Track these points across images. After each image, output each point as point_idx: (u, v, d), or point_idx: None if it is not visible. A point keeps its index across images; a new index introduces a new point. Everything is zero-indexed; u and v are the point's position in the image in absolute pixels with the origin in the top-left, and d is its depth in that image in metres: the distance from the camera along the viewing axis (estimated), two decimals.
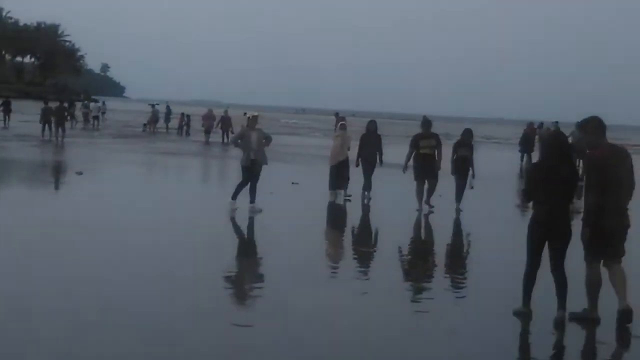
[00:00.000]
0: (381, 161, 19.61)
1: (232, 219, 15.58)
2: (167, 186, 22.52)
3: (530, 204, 8.96)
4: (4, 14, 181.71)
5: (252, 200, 16.27)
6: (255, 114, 17.24)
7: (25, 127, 44.03)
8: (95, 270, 10.20)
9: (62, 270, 10.18)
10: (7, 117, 47.22)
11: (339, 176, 19.24)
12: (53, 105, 39.34)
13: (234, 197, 16.28)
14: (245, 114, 17.44)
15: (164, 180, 24.96)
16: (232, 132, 43.18)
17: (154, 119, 51.81)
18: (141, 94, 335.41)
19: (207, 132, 44.27)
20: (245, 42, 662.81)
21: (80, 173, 22.33)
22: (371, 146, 19.45)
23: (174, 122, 52.41)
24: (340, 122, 21.39)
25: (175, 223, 14.75)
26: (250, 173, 16.39)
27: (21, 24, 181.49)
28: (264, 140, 16.76)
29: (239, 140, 16.97)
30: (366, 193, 19.29)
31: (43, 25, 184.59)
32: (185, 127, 50.59)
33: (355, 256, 12.82)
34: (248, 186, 16.35)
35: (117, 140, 40.75)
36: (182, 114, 51.81)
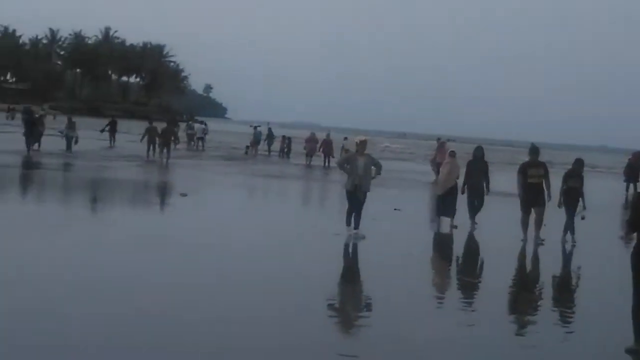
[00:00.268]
0: (488, 189, 19.44)
1: (337, 245, 15.56)
2: (269, 210, 22.62)
3: (635, 234, 8.72)
4: (111, 33, 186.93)
5: (356, 226, 16.32)
6: (364, 138, 17.18)
7: (131, 147, 45.09)
8: (197, 296, 10.38)
9: (166, 295, 10.35)
10: (112, 137, 48.15)
11: (446, 203, 19.19)
12: (158, 125, 40.10)
13: (348, 223, 16.41)
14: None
15: (266, 203, 25.18)
16: (333, 156, 43.52)
17: (255, 141, 52.43)
18: (243, 116, 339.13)
19: (309, 155, 44.70)
20: (346, 66, 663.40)
21: (184, 195, 22.63)
22: (478, 173, 19.34)
23: (275, 144, 52.86)
24: (450, 150, 21.24)
25: (278, 248, 14.86)
26: (355, 198, 16.48)
27: (128, 44, 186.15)
28: (372, 167, 16.71)
29: (346, 165, 17.02)
30: (474, 222, 19.21)
31: (149, 46, 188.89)
32: (286, 150, 51.10)
33: (461, 286, 12.71)
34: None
35: (220, 162, 41.27)
36: (283, 136, 52.44)
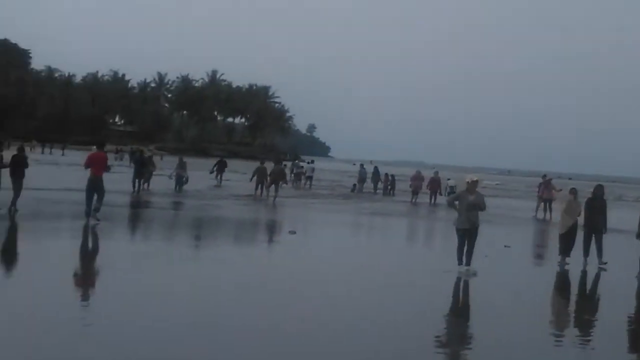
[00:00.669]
0: (605, 228, 19.20)
1: (449, 282, 15.56)
2: (378, 247, 22.66)
3: None
4: (217, 76, 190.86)
5: (468, 263, 16.30)
6: (475, 178, 17.19)
7: (239, 186, 45.77)
8: (312, 333, 10.50)
9: (285, 333, 10.49)
10: (220, 175, 49.02)
11: (569, 241, 19.03)
12: (268, 165, 40.65)
13: (460, 261, 16.49)
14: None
15: (375, 241, 25.16)
16: (441, 194, 43.41)
17: (361, 178, 52.65)
18: (345, 154, 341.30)
19: (415, 192, 44.60)
20: (447, 103, 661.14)
21: (293, 232, 22.89)
22: (597, 211, 19.14)
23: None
24: (571, 187, 21.07)
25: (389, 286, 14.87)
26: (466, 236, 16.45)
27: (234, 86, 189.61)
28: (481, 206, 16.78)
29: (456, 202, 17.03)
30: (586, 259, 18.95)
31: (254, 87, 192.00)
32: (390, 188, 51.20)
33: (579, 325, 12.54)
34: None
35: (326, 200, 41.46)
36: (386, 174, 52.59)
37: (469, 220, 16.55)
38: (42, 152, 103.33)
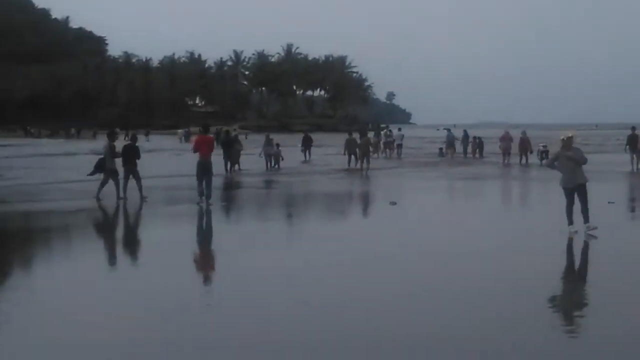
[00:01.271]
0: None
1: (571, 244, 15.46)
2: (483, 212, 22.44)
3: None
4: (293, 50, 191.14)
5: (586, 220, 16.16)
6: (570, 134, 16.91)
7: (327, 160, 46.04)
8: (433, 304, 10.53)
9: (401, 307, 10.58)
10: (307, 151, 49.11)
11: None
12: (355, 136, 40.81)
13: (570, 221, 16.30)
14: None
15: (478, 205, 24.89)
16: (532, 152, 43.08)
17: (449, 143, 52.47)
18: (427, 120, 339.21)
19: (506, 153, 44.29)
20: (530, 62, 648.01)
21: (394, 203, 22.87)
22: None
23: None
24: None
25: (507, 249, 14.88)
26: (574, 194, 16.40)
27: (310, 58, 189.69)
28: (580, 160, 16.56)
29: (556, 163, 16.93)
30: None
31: (331, 59, 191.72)
32: (478, 150, 51.01)
33: None
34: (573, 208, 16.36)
35: (417, 167, 41.39)
36: (474, 137, 52.29)
37: (575, 177, 16.35)
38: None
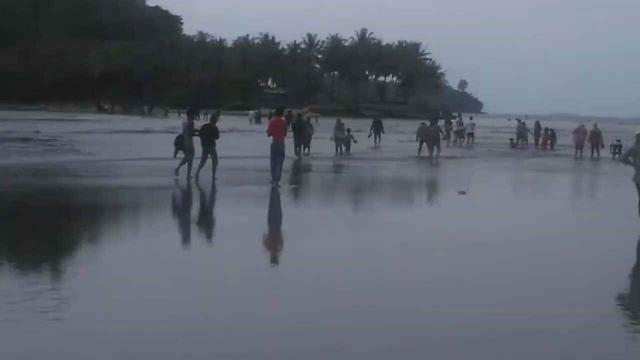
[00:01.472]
0: None
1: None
2: (556, 204, 22.35)
3: None
4: (367, 35, 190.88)
5: None
6: None
7: (397, 147, 46.01)
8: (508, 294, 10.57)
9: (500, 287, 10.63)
10: (377, 136, 48.99)
11: None
12: (428, 124, 40.73)
13: None
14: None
15: (550, 197, 24.78)
16: (603, 146, 42.67)
17: (520, 134, 52.07)
18: (498, 109, 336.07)
19: (578, 146, 43.85)
20: (603, 53, 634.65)
21: (463, 192, 22.82)
22: None
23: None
24: None
25: (579, 242, 14.95)
26: None
27: (383, 44, 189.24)
28: None
29: (630, 158, 16.71)
30: None
31: (404, 45, 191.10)
32: (549, 142, 50.58)
33: None
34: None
35: (488, 157, 41.10)
36: (546, 128, 51.88)
37: None
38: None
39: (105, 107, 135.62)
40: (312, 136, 38.75)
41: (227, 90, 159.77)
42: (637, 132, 16.57)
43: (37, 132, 51.42)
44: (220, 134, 25.64)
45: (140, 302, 9.63)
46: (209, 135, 24.50)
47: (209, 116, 29.04)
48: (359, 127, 52.68)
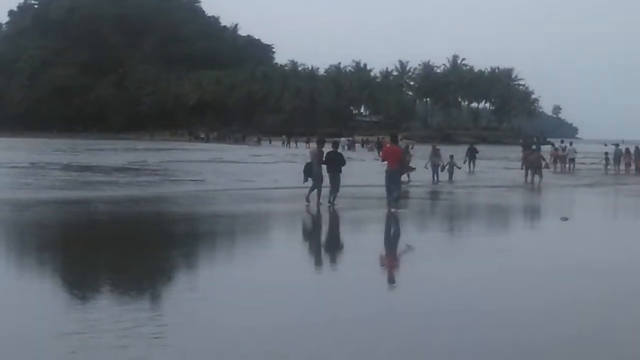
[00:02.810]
0: None
1: None
2: None
3: None
4: (459, 61, 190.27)
5: None
6: None
7: (493, 172, 45.86)
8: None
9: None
10: (472, 162, 48.79)
11: None
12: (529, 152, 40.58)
13: None
14: None
15: None
16: None
17: (617, 158, 51.46)
18: (594, 135, 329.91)
19: None
20: None
21: (565, 219, 22.69)
22: None
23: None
24: None
25: None
26: None
27: (476, 70, 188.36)
28: None
29: None
30: None
31: (497, 71, 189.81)
32: None
33: None
34: None
35: (588, 182, 40.51)
36: None
37: None
38: (285, 145, 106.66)
39: (202, 135, 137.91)
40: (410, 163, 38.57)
41: (321, 117, 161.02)
42: None
43: (145, 162, 53.22)
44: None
45: (250, 329, 9.77)
46: (335, 162, 25.12)
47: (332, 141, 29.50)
48: (453, 153, 52.51)
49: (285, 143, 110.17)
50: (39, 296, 11.76)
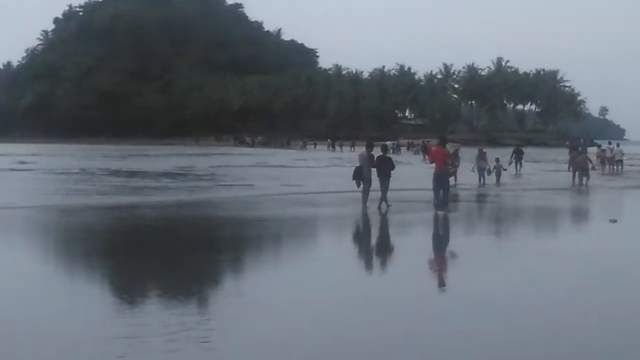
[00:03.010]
0: None
1: None
2: None
3: None
4: (503, 63, 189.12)
5: None
6: None
7: (540, 174, 45.58)
8: None
9: None
10: (518, 164, 48.62)
11: None
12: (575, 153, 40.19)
13: None
14: None
15: None
16: None
17: None
18: None
19: None
20: None
21: (614, 221, 22.44)
22: None
23: None
24: None
25: None
26: None
27: (521, 72, 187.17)
28: None
29: None
30: None
31: (542, 72, 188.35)
32: None
33: None
34: None
35: (634, 184, 40.06)
36: None
37: None
38: (330, 149, 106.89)
39: (247, 140, 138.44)
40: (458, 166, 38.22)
41: (365, 121, 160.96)
42: None
43: (193, 167, 53.73)
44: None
45: (297, 334, 9.85)
46: (385, 165, 25.33)
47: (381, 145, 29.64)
48: (500, 156, 52.30)
49: (330, 147, 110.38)
50: (88, 301, 11.94)
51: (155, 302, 11.77)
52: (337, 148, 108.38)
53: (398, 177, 29.68)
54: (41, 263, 16.08)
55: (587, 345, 9.29)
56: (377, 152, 25.86)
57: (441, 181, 24.03)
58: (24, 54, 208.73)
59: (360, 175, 25.53)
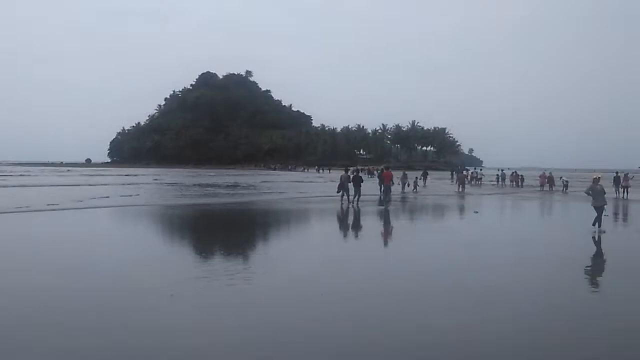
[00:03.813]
0: None
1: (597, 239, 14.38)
2: (524, 220, 21.65)
3: None
4: (416, 124, 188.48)
5: (599, 225, 15.47)
6: (599, 175, 16.65)
7: (437, 187, 45.20)
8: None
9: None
10: (424, 180, 47.93)
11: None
12: (464, 172, 39.66)
13: (594, 226, 15.55)
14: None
15: (531, 217, 23.54)
16: (554, 186, 40.74)
17: (502, 177, 50.03)
18: (495, 164, 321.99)
19: (542, 185, 42.34)
20: (578, 106, 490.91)
21: (477, 212, 22.42)
22: None
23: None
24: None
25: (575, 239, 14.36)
26: (598, 210, 15.78)
27: (425, 128, 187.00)
28: (604, 190, 16.16)
29: (590, 191, 16.34)
30: None
31: (437, 129, 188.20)
32: (519, 183, 47.66)
33: None
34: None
35: (488, 192, 39.55)
36: (515, 173, 50.36)
37: (600, 200, 15.92)
38: (317, 171, 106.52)
39: (274, 167, 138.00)
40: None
41: (338, 156, 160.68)
42: (594, 177, 16.36)
43: (236, 183, 53.20)
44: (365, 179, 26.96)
45: (307, 275, 9.59)
46: (357, 180, 25.53)
47: (351, 169, 29.67)
48: (415, 175, 51.90)
49: (318, 171, 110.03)
50: (180, 255, 11.80)
51: (220, 257, 11.66)
52: (321, 171, 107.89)
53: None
54: (155, 233, 15.99)
55: (457, 277, 9.14)
56: (350, 174, 26.11)
57: (386, 189, 25.35)
58: (147, 118, 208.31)
59: (342, 187, 25.44)
